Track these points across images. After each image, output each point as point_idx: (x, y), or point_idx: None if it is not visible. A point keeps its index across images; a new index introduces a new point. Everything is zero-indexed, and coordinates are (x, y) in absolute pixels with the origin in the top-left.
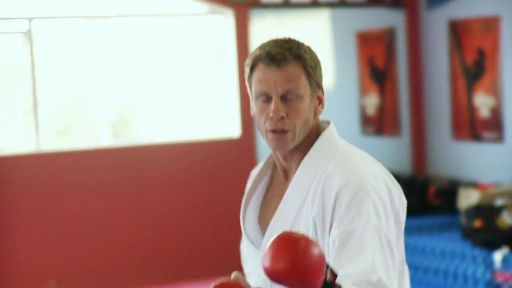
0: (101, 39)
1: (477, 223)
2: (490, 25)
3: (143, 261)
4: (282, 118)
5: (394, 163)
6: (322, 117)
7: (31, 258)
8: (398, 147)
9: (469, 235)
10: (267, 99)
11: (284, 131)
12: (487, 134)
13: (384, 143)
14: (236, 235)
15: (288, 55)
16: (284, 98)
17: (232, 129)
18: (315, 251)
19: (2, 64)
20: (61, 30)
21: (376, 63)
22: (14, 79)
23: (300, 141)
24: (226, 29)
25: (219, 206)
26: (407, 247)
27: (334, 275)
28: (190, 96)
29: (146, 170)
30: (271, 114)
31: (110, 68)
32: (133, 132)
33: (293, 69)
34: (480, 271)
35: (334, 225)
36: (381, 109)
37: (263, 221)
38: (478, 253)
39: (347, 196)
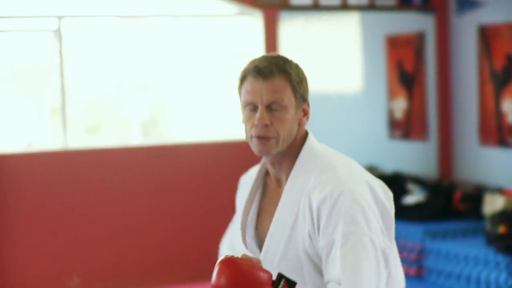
0: (131, 38)
1: (501, 229)
2: None
3: (167, 260)
4: (266, 125)
5: (421, 167)
6: (352, 119)
7: (56, 254)
8: (425, 151)
9: (493, 241)
10: (254, 108)
11: (267, 138)
12: None
13: (411, 147)
14: None
15: (274, 69)
16: (269, 108)
17: None
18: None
19: (32, 62)
20: (91, 28)
21: (405, 67)
22: (43, 77)
23: (285, 148)
24: (255, 30)
25: None
26: (430, 251)
27: (290, 286)
28: (219, 96)
29: (174, 169)
30: (256, 122)
31: (140, 68)
32: (163, 132)
33: (279, 82)
34: (503, 277)
35: (319, 238)
36: (408, 113)
37: (260, 227)
38: (501, 259)
39: (325, 211)
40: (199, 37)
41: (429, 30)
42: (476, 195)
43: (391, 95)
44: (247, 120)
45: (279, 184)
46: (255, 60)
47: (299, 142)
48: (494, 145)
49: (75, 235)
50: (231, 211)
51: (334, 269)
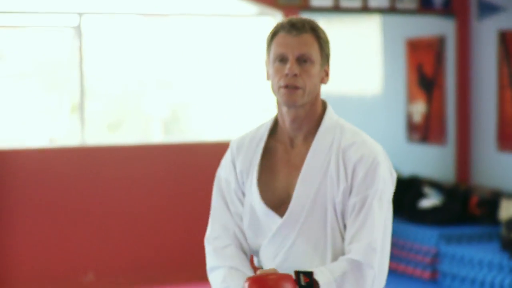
0: (152, 36)
1: None
2: None
3: (182, 257)
4: (296, 75)
5: (438, 171)
6: (371, 121)
7: (71, 250)
8: (442, 155)
9: (508, 246)
10: (284, 60)
11: (296, 87)
12: None
13: (429, 151)
14: None
15: (306, 25)
16: (298, 60)
17: None
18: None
19: (52, 58)
20: (111, 26)
21: (425, 70)
22: (64, 73)
23: (308, 105)
24: None
25: None
26: (445, 255)
27: (308, 277)
28: (240, 96)
29: (193, 167)
30: (286, 71)
31: (162, 66)
32: (184, 129)
33: (309, 37)
34: None
35: (352, 194)
36: (427, 117)
37: (271, 186)
38: None
39: (362, 169)
40: (220, 37)
41: (449, 34)
42: (492, 200)
43: (410, 99)
44: (276, 72)
45: (292, 145)
46: (285, 19)
47: (320, 105)
48: None
49: (90, 231)
50: None
51: (364, 222)
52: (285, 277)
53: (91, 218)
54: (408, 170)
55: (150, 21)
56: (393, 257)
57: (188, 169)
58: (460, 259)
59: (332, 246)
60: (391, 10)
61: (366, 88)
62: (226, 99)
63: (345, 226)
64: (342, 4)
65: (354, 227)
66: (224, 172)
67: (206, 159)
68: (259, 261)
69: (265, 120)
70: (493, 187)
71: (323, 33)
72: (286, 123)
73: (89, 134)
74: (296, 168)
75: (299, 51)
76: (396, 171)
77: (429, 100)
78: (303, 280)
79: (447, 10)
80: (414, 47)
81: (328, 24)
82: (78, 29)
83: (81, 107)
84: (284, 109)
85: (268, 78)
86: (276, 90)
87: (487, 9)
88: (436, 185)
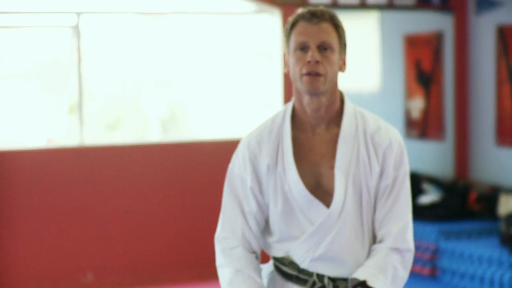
0: (150, 35)
1: None
2: None
3: (182, 257)
4: (318, 62)
5: (437, 167)
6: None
7: (70, 250)
8: (441, 151)
9: (507, 242)
10: (305, 49)
11: (318, 74)
12: None
13: (428, 146)
14: None
15: (325, 14)
16: (319, 48)
17: None
18: None
19: (50, 57)
20: (110, 25)
21: (423, 66)
22: (62, 73)
23: (329, 93)
24: (273, 28)
25: None
26: (445, 251)
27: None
28: (238, 94)
29: (192, 167)
30: (308, 58)
31: (160, 65)
32: (182, 129)
33: (328, 26)
34: None
35: (383, 177)
36: (426, 112)
37: (302, 176)
38: None
39: (392, 152)
40: (218, 35)
41: (447, 30)
42: (491, 195)
43: (409, 95)
44: (298, 60)
45: (314, 133)
46: (304, 9)
47: (339, 94)
48: (511, 146)
49: (89, 231)
50: None
51: (395, 203)
52: None
53: (90, 218)
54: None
55: (147, 20)
56: None
57: (187, 168)
58: (460, 255)
59: (368, 230)
60: (389, 6)
61: (365, 84)
62: (224, 98)
63: (374, 209)
64: (340, 1)
65: (386, 208)
66: (238, 169)
67: (205, 158)
68: (287, 252)
69: (275, 112)
70: (492, 182)
71: (341, 22)
72: (308, 112)
73: (87, 134)
74: (322, 156)
75: (319, 39)
76: None
77: (428, 96)
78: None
79: (445, 6)
80: (412, 43)
81: None
82: (76, 28)
83: (79, 107)
84: (306, 98)
85: (287, 69)
86: (298, 78)
87: (485, 4)
88: (435, 181)
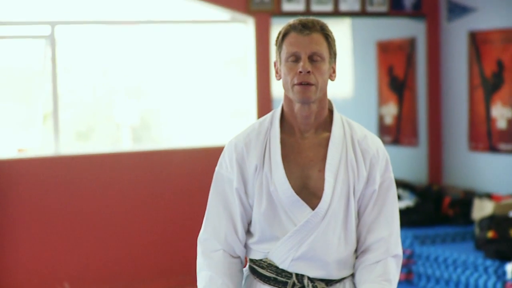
0: (124, 44)
1: (490, 234)
2: (510, 37)
3: (159, 265)
4: (309, 72)
5: (411, 172)
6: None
7: (46, 261)
8: (415, 156)
9: (482, 246)
10: (297, 59)
11: (309, 84)
12: (503, 146)
13: (401, 152)
14: None
15: (316, 25)
16: (310, 58)
17: None
18: None
19: (25, 67)
20: (84, 35)
21: (396, 72)
22: (36, 83)
23: (319, 102)
24: (247, 37)
25: None
26: (420, 256)
27: None
28: (210, 102)
29: (165, 175)
30: (300, 69)
31: (132, 73)
32: (154, 137)
33: (319, 37)
34: (491, 282)
35: (369, 183)
36: (399, 118)
37: (290, 177)
38: (490, 264)
39: (379, 160)
40: (191, 43)
41: (420, 36)
42: (465, 200)
43: (382, 101)
44: (289, 70)
45: (303, 137)
46: (295, 20)
47: (328, 101)
48: (484, 151)
49: (65, 241)
50: None
51: (381, 210)
52: None
53: (65, 228)
54: None
55: (120, 29)
56: None
57: (160, 176)
58: (435, 260)
59: (351, 232)
60: (362, 13)
61: (338, 90)
62: (196, 106)
63: (359, 213)
64: (313, 9)
65: (373, 214)
66: (225, 171)
67: (177, 166)
68: (268, 253)
69: (262, 117)
70: (465, 187)
71: (331, 32)
72: (298, 118)
73: (61, 143)
74: (311, 159)
75: (310, 49)
76: None
77: (400, 102)
78: None
79: (417, 12)
80: (385, 49)
81: None
82: (50, 38)
83: (55, 116)
84: (297, 105)
85: (278, 77)
86: (289, 88)
87: (457, 10)
88: (409, 187)
